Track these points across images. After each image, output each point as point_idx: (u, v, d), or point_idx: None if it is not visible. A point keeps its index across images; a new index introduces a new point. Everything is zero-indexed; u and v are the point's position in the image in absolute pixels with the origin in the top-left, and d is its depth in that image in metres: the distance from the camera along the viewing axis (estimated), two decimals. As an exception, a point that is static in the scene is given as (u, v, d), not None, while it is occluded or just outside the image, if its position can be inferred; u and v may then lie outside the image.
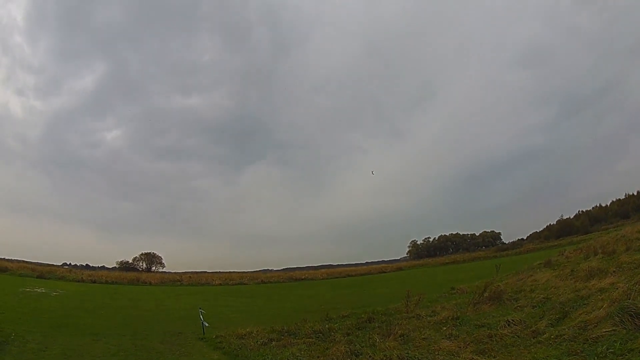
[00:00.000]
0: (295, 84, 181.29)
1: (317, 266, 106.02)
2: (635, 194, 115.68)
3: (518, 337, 10.95)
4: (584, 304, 13.10)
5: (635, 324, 9.20)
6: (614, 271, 18.25)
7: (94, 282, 54.32)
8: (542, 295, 16.60)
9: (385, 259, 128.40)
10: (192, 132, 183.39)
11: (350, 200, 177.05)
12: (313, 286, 53.14)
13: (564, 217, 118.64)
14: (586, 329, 10.02)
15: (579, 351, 8.63)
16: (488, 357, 9.56)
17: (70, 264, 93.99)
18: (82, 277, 56.30)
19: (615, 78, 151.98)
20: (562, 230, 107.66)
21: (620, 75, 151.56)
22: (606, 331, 9.31)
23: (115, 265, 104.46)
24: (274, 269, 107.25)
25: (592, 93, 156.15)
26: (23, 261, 66.79)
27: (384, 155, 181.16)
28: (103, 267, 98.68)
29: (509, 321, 12.33)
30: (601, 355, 8.01)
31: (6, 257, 64.74)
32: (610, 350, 8.12)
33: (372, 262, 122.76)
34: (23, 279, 44.28)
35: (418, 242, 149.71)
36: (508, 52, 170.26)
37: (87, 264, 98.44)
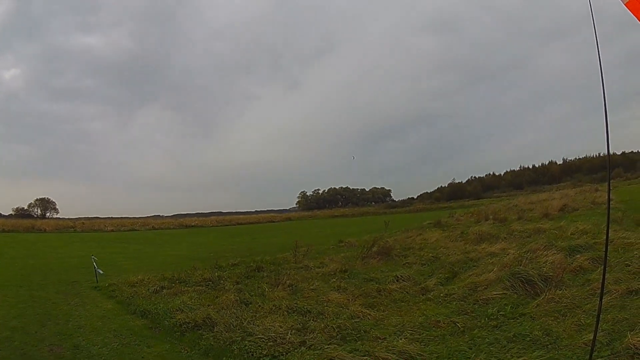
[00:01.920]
0: (195, 28, 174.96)
1: (207, 213, 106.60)
2: (530, 167, 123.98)
3: (407, 293, 11.21)
4: (474, 266, 13.71)
5: (527, 290, 9.65)
6: (505, 237, 19.33)
7: (-11, 231, 53.41)
8: (431, 254, 17.23)
9: (275, 209, 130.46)
10: (89, 73, 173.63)
11: (242, 149, 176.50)
12: (203, 233, 53.13)
13: (456, 181, 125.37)
14: (476, 290, 10.40)
15: (469, 311, 8.90)
16: (377, 310, 9.68)
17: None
18: (-24, 229, 55.12)
19: (522, 57, 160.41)
20: (454, 193, 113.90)
21: (527, 54, 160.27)
22: (497, 294, 9.70)
23: (11, 212, 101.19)
24: (165, 215, 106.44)
25: (497, 67, 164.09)
26: None
27: (279, 104, 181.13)
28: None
29: (397, 277, 12.62)
30: (492, 317, 8.28)
31: None
32: (501, 313, 8.42)
33: (261, 210, 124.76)
34: None
35: (308, 194, 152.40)
36: (416, 16, 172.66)
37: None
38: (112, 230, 63.12)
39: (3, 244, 34.62)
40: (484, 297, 9.67)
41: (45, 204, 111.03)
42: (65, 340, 8.79)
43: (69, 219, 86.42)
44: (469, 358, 6.37)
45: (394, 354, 6.71)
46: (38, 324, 10.14)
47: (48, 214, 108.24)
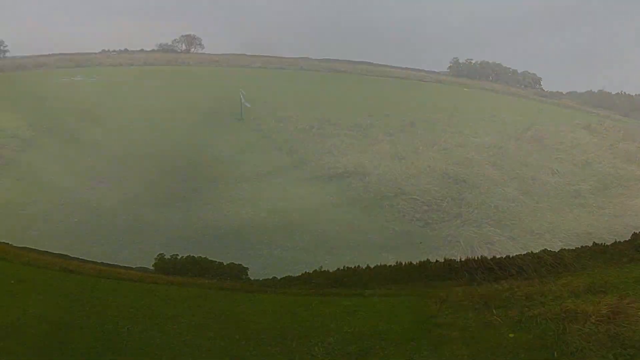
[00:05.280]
0: None
1: (357, 62, 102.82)
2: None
3: (562, 190, 10.94)
4: (624, 186, 12.96)
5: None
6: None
7: (132, 65, 54.93)
8: (582, 157, 16.40)
9: (425, 69, 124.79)
10: None
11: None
12: (351, 79, 52.24)
13: (605, 91, 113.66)
14: (626, 212, 9.96)
15: (620, 232, 8.58)
16: (531, 198, 9.57)
17: (108, 50, 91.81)
18: (119, 62, 56.66)
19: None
20: (602, 102, 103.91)
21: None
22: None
23: (154, 48, 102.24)
24: (313, 58, 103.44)
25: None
26: (61, 54, 65.31)
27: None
28: (142, 50, 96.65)
29: (553, 170, 12.22)
30: None
31: (44, 53, 63.00)
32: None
33: (412, 68, 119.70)
34: (62, 71, 44.74)
35: (460, 61, 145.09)
36: None
37: (125, 49, 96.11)
38: (260, 67, 62.33)
39: (142, 77, 35.67)
40: (632, 224, 9.24)
41: (190, 39, 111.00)
42: (199, 172, 9.02)
43: (214, 54, 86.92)
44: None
45: (551, 256, 6.48)
46: (172, 156, 10.49)
47: (192, 50, 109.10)
